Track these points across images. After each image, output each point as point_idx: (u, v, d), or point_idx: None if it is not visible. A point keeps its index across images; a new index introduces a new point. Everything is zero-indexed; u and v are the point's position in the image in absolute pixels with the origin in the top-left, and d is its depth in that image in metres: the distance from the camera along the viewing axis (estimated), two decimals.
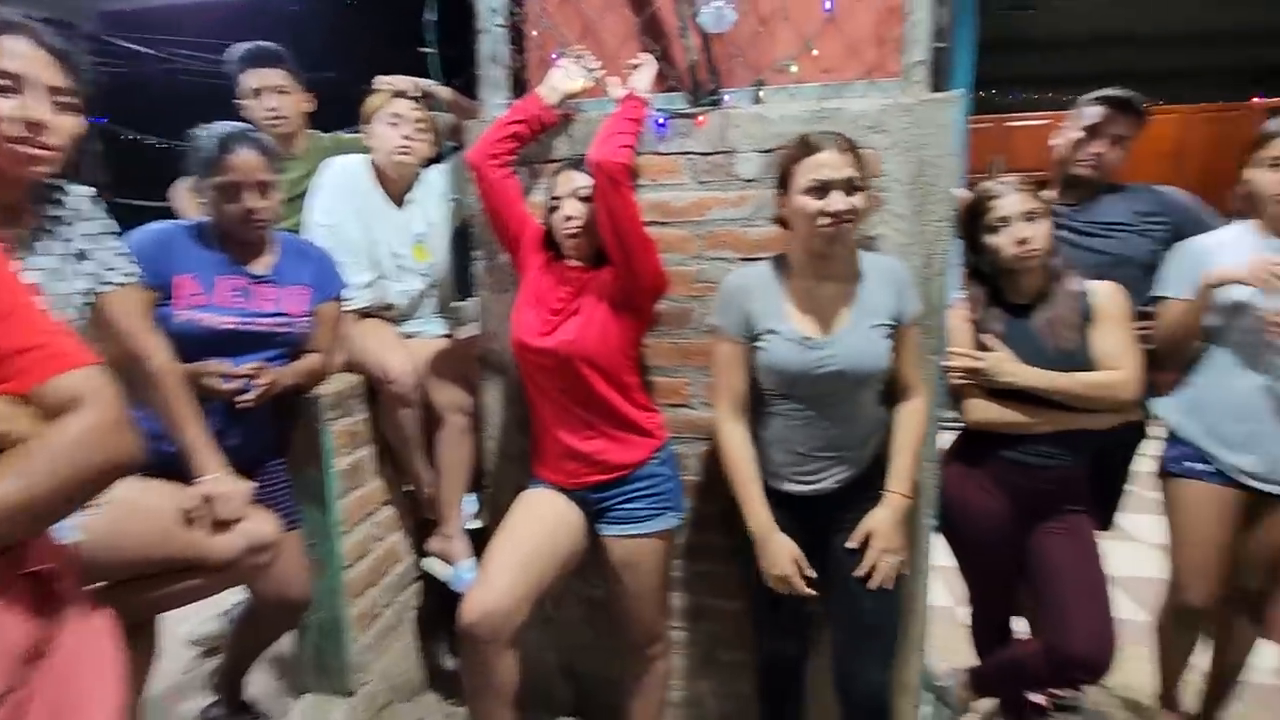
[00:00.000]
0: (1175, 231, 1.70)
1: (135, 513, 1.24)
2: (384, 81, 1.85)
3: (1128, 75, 2.43)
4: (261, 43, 2.00)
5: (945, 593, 2.29)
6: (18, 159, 1.06)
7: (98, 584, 1.20)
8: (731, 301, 1.40)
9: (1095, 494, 1.60)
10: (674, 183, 1.62)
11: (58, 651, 0.75)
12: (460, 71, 1.85)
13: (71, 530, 1.11)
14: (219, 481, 1.32)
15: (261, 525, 1.37)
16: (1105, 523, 1.83)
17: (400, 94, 1.81)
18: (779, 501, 1.42)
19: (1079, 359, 1.44)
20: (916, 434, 1.41)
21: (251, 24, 4.11)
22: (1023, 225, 1.44)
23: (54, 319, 0.78)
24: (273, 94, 1.96)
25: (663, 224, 1.62)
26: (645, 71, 1.54)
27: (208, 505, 1.30)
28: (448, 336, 1.97)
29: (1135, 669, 1.88)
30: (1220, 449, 1.56)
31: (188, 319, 1.42)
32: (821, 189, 1.27)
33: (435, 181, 1.96)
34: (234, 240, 1.51)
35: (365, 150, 1.86)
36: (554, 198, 1.50)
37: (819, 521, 1.43)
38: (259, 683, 1.95)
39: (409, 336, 1.91)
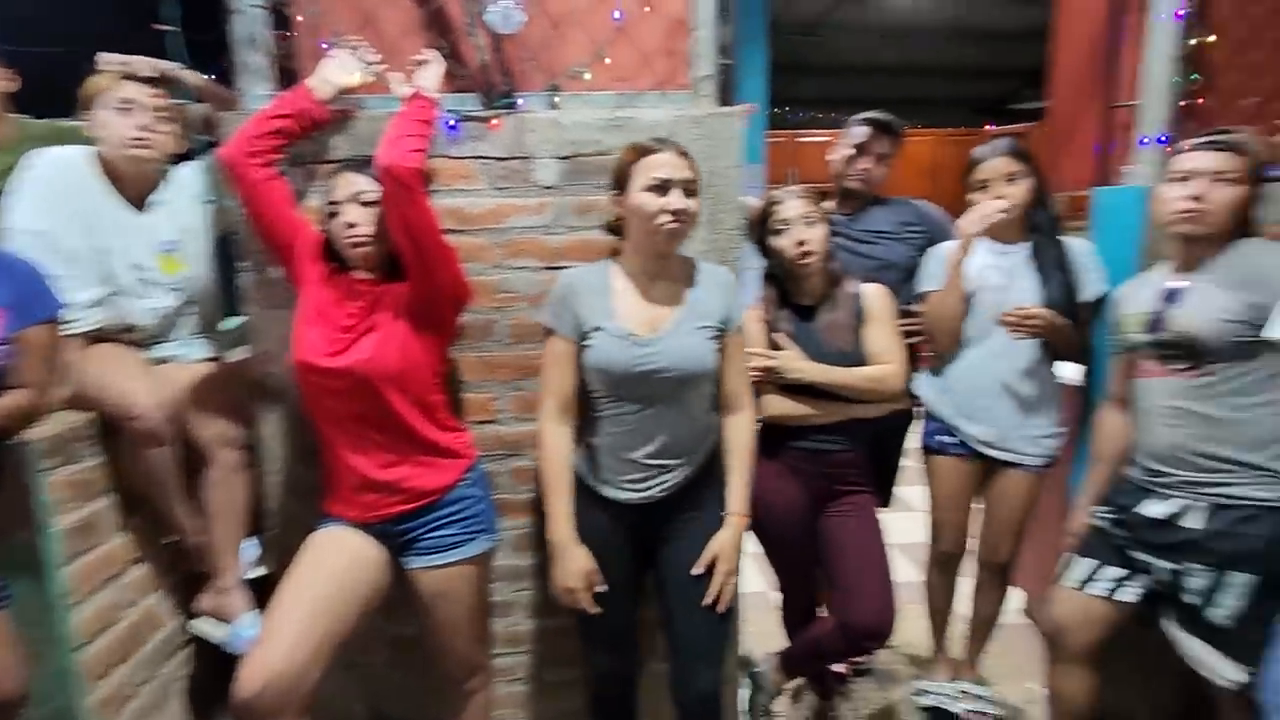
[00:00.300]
0: (929, 239, 1.96)
1: None
2: (110, 60, 1.55)
3: (896, 101, 2.75)
4: None
5: (758, 579, 2.42)
6: None
7: None
8: (563, 300, 1.39)
9: (876, 474, 1.77)
10: (469, 188, 1.53)
11: None
12: (218, 57, 1.61)
13: None
14: None
15: None
16: (886, 499, 2.05)
17: (131, 76, 1.52)
18: (609, 509, 1.41)
19: (854, 356, 1.59)
20: (747, 449, 1.47)
21: None
22: (802, 229, 1.55)
23: None
24: None
25: (459, 232, 1.52)
26: (432, 69, 1.44)
27: None
28: (213, 360, 1.70)
29: (914, 626, 2.12)
30: (963, 422, 1.80)
31: None
32: (662, 187, 1.30)
33: (188, 181, 1.68)
34: None
35: (89, 141, 1.54)
36: (332, 202, 1.35)
37: (649, 530, 1.44)
38: None
39: (161, 362, 1.62)
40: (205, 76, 1.66)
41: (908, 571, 2.77)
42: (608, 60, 1.56)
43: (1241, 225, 1.40)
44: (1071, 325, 1.67)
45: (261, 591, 1.57)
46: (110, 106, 1.50)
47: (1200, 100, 1.68)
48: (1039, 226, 1.72)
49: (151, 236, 1.60)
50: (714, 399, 1.46)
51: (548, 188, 1.54)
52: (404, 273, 1.37)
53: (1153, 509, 1.43)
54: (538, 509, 1.65)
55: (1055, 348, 1.73)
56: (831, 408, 1.58)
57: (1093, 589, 1.52)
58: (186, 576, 1.71)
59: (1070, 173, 2.06)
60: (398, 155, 1.29)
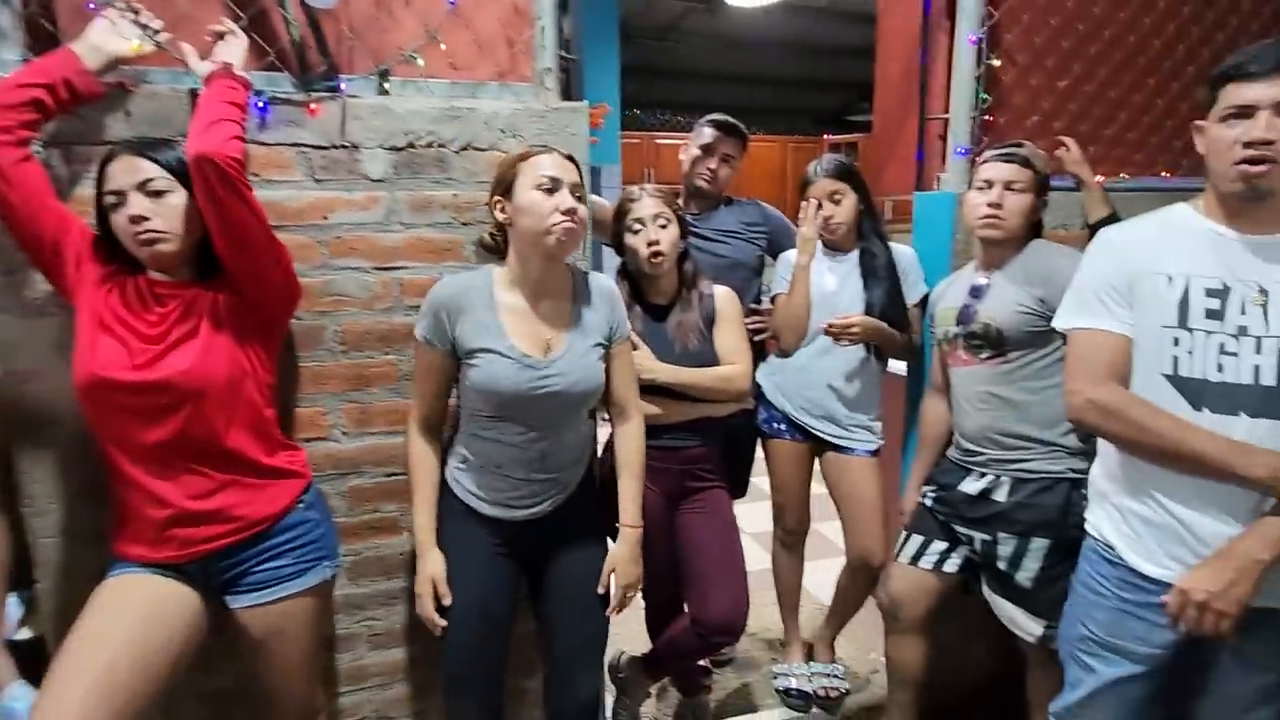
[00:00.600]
0: (771, 239, 2.04)
1: None
2: None
3: (746, 109, 2.84)
4: None
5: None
6: None
7: None
8: (439, 312, 1.31)
9: (730, 467, 1.81)
10: (286, 179, 1.37)
11: None
12: None
13: None
14: None
15: None
16: (743, 490, 2.11)
17: None
18: (489, 526, 1.36)
19: (704, 356, 1.61)
20: (639, 460, 1.46)
21: None
22: (654, 229, 1.55)
23: None
24: None
25: (277, 228, 1.35)
26: (235, 44, 1.27)
27: None
28: None
29: (770, 613, 2.20)
30: (796, 411, 1.89)
31: None
32: (551, 188, 1.26)
33: None
34: None
35: None
36: (111, 192, 1.15)
37: (531, 546, 1.40)
38: None
39: None
40: None
41: (760, 559, 2.88)
42: (443, 46, 1.46)
43: (1033, 229, 1.59)
44: (893, 329, 1.79)
45: (29, 659, 1.30)
46: None
47: (992, 118, 1.87)
48: (865, 236, 1.84)
49: None
50: (592, 409, 1.43)
51: (377, 180, 1.41)
52: (216, 271, 1.20)
53: (969, 485, 1.57)
54: (380, 530, 1.52)
55: (880, 349, 1.85)
56: (681, 407, 1.60)
57: (924, 563, 1.65)
58: None
59: (896, 179, 2.22)
60: (214, 143, 1.11)
